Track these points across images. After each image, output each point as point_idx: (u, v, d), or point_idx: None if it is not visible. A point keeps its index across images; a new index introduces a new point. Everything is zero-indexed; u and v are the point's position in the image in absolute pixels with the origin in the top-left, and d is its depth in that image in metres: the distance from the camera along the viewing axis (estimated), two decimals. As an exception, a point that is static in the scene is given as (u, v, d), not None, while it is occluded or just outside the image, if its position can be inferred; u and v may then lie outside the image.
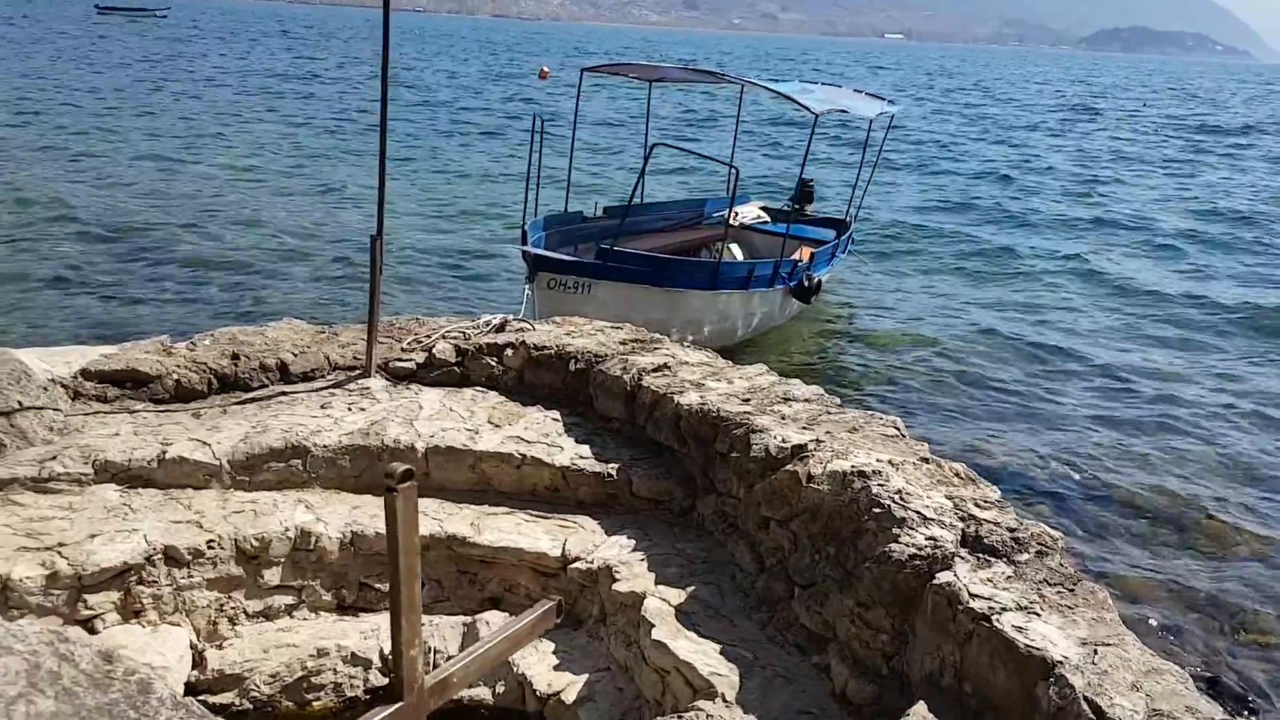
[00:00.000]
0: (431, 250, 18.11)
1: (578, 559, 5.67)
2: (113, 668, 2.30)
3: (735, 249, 14.94)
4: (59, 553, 4.79)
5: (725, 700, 4.22)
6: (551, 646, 5.44)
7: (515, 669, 5.22)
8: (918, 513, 4.33)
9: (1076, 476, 10.20)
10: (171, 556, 5.05)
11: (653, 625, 4.76)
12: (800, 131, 38.29)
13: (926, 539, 4.17)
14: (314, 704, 5.08)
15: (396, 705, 2.23)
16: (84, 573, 4.73)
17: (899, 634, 4.12)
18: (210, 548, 5.15)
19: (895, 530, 4.24)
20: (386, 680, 5.26)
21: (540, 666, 5.24)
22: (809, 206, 18.64)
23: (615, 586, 5.28)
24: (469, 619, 5.59)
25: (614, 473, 6.27)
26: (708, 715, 4.10)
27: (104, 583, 4.83)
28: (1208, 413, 12.10)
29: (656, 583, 5.30)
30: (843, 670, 4.24)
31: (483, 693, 5.23)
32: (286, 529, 5.40)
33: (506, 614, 5.62)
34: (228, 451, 5.81)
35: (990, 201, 27.52)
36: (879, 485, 4.57)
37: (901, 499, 4.43)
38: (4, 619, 4.59)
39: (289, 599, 5.45)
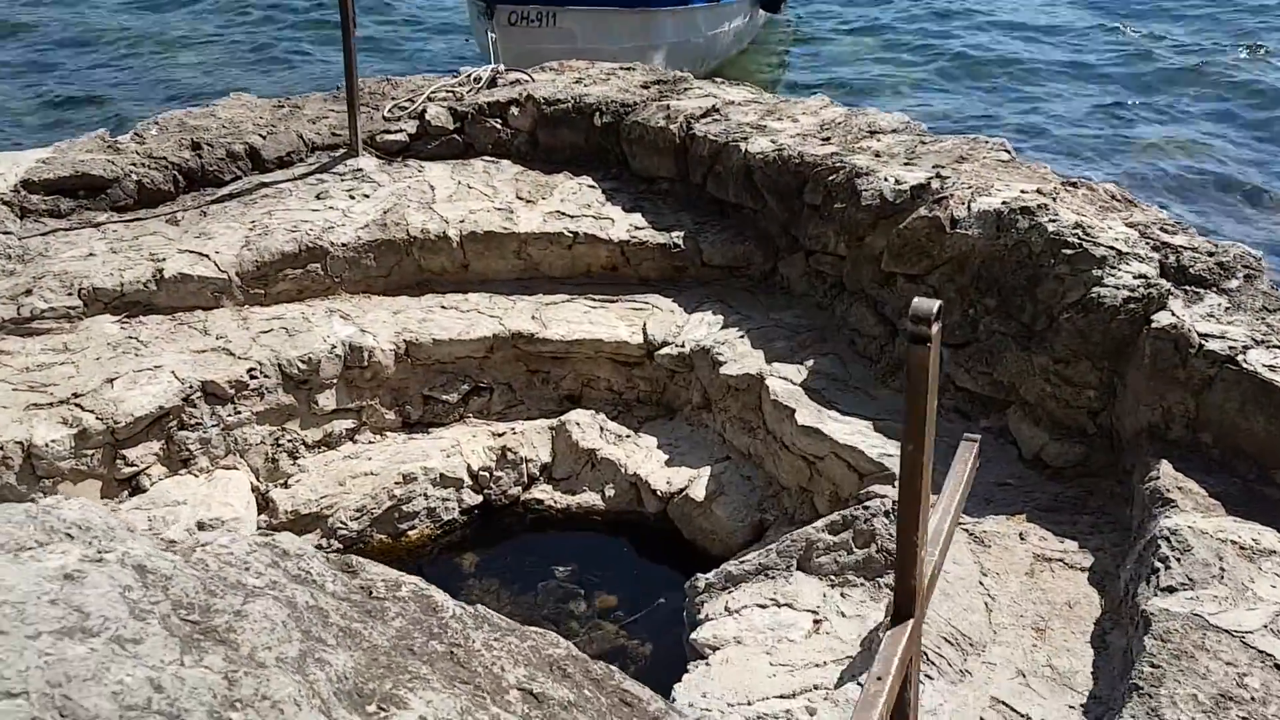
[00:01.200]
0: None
1: (665, 344, 5.13)
2: (365, 581, 1.73)
3: None
4: (78, 405, 4.07)
5: (909, 482, 3.85)
6: (654, 441, 5.02)
7: (624, 469, 4.81)
8: (1111, 248, 3.85)
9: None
10: (211, 393, 4.36)
11: (792, 409, 4.32)
12: None
13: (1135, 277, 3.72)
14: (409, 534, 4.62)
15: (909, 622, 1.69)
16: (115, 425, 4.04)
17: (1106, 387, 3.74)
18: (253, 377, 4.47)
19: (1096, 272, 3.77)
20: (480, 498, 4.82)
21: (650, 464, 4.83)
22: None
23: (723, 370, 4.79)
24: (554, 421, 5.09)
25: (680, 242, 5.63)
26: (893, 501, 3.73)
27: (140, 433, 4.16)
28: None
29: (768, 360, 4.82)
30: (1037, 434, 3.88)
31: (591, 498, 4.83)
32: (333, 346, 4.72)
33: (591, 411, 5.14)
34: (233, 262, 4.99)
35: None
36: (1051, 221, 4.04)
37: (1086, 235, 3.93)
38: (32, 493, 3.93)
39: (349, 423, 4.86)
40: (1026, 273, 4.02)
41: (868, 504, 3.74)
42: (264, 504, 4.49)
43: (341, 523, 4.46)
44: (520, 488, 4.88)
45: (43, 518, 2.07)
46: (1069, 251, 3.85)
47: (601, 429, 5.03)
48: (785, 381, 4.60)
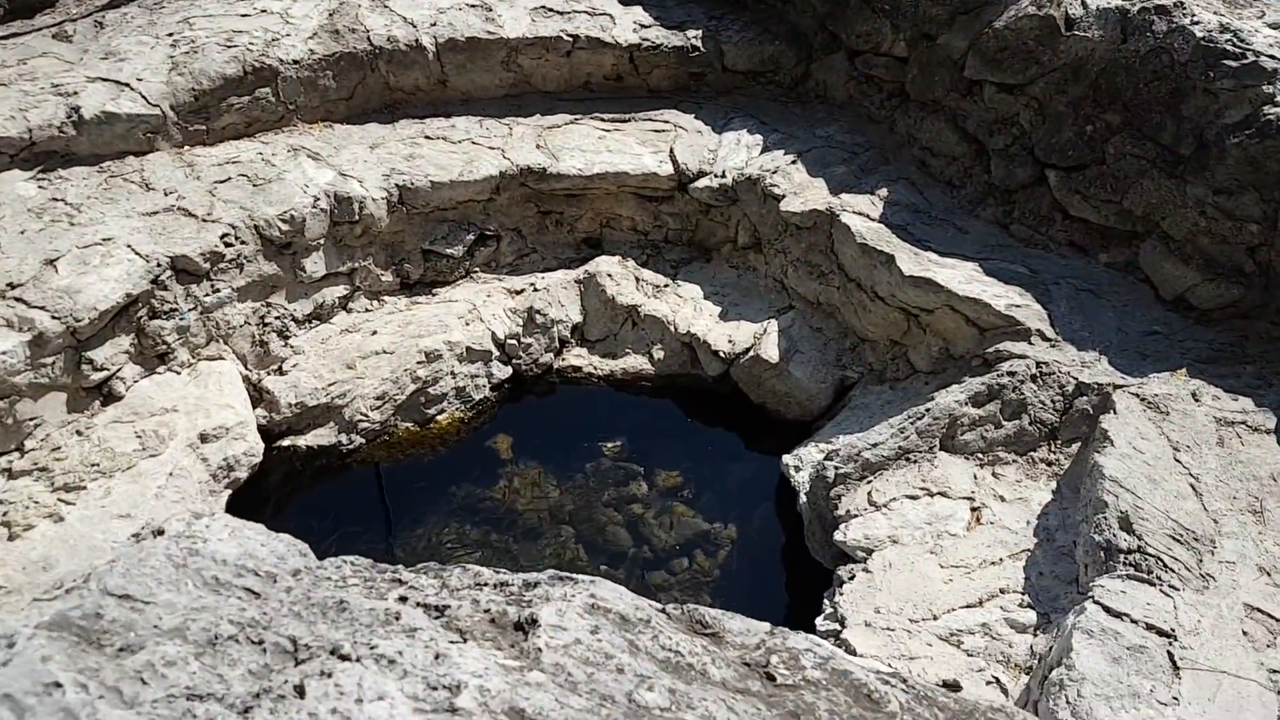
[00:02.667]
0: None
1: (700, 174, 4.56)
2: (746, 652, 1.26)
3: None
4: (20, 300, 3.28)
5: (1045, 337, 3.52)
6: (697, 290, 4.52)
7: (673, 328, 4.33)
8: (1274, 57, 3.43)
9: None
10: (183, 269, 3.61)
11: (890, 255, 3.87)
12: None
13: (1313, 93, 3.33)
14: (439, 419, 4.08)
15: None
16: (76, 323, 3.28)
17: (1270, 221, 3.42)
18: (228, 245, 3.71)
19: (1266, 88, 3.36)
20: (509, 370, 4.29)
21: (703, 320, 4.35)
22: None
23: (784, 206, 4.27)
24: (579, 273, 4.52)
25: (699, 43, 4.93)
26: (1037, 363, 3.41)
27: (106, 329, 3.41)
28: None
29: (832, 190, 4.33)
30: (1185, 273, 3.57)
31: (636, 361, 4.36)
32: (315, 199, 3.96)
33: (618, 258, 4.59)
34: (163, 92, 4.08)
35: None
36: (1194, 24, 3.58)
37: (1242, 41, 3.49)
38: None
39: (340, 289, 4.18)
40: (1167, 86, 3.59)
41: (1010, 369, 3.41)
42: (258, 396, 3.85)
43: (361, 413, 3.88)
44: (552, 354, 4.36)
45: (193, 563, 1.49)
46: (1231, 63, 3.42)
47: (637, 280, 4.50)
48: (864, 219, 4.13)
